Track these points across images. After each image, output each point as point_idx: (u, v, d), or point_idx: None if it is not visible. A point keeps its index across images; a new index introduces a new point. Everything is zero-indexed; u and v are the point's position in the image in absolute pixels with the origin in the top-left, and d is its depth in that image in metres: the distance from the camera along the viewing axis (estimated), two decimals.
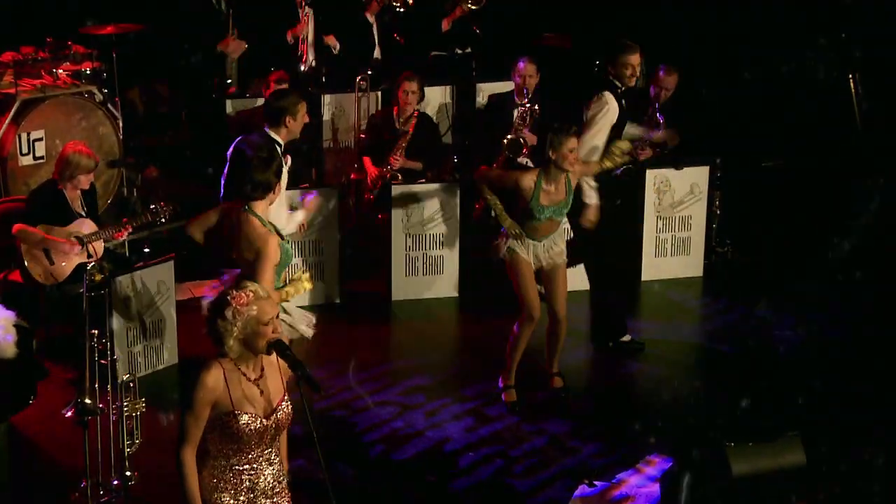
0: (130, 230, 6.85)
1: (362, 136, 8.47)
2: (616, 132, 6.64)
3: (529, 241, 6.16)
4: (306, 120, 6.22)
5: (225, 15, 8.47)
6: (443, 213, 7.74)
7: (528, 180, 6.07)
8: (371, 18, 9.06)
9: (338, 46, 8.94)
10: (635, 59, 6.64)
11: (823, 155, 9.46)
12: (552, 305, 6.26)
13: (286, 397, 4.01)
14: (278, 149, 6.09)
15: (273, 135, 6.12)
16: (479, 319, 7.45)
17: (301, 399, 3.93)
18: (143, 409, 5.30)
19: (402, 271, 7.79)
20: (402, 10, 8.91)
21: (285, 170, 6.11)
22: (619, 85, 6.65)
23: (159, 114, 8.92)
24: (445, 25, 9.30)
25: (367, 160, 8.07)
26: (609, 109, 6.58)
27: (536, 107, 7.93)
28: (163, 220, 6.78)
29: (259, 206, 5.25)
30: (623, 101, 6.68)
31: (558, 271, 6.24)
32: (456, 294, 7.80)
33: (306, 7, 8.78)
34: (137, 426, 5.28)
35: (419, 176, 8.05)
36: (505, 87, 8.62)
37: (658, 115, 7.79)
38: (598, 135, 6.56)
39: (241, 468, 3.94)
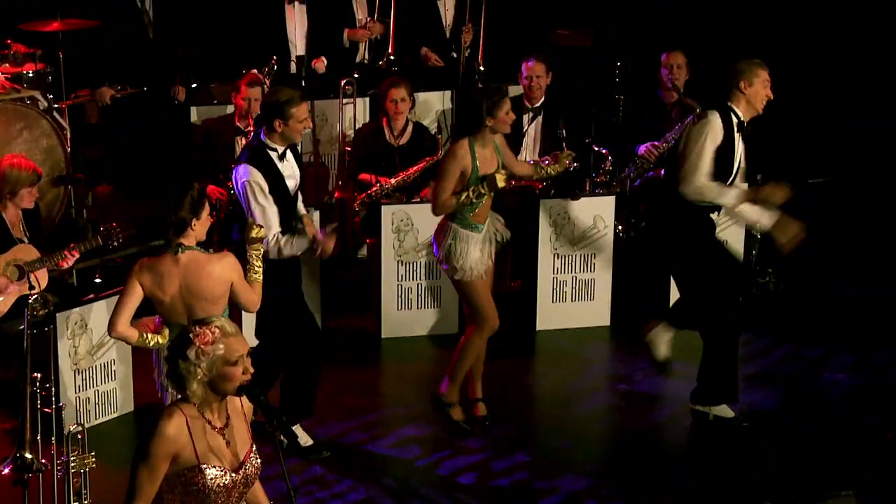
0: (78, 256, 6.86)
1: (348, 148, 8.50)
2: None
3: (473, 237, 6.41)
4: (307, 125, 6.20)
5: None
6: None
7: (462, 152, 6.36)
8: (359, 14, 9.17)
9: (324, 66, 9.01)
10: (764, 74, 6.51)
11: (880, 170, 9.51)
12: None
13: (254, 447, 4.01)
14: (272, 155, 6.10)
15: (266, 140, 6.14)
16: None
17: (277, 453, 3.93)
18: (93, 465, 5.29)
19: (393, 304, 7.80)
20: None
21: (290, 181, 6.16)
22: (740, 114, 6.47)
23: (112, 124, 8.95)
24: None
25: (366, 176, 8.07)
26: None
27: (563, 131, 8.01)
28: (116, 244, 6.79)
29: (188, 242, 5.36)
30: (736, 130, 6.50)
31: (487, 276, 6.60)
32: (456, 331, 7.81)
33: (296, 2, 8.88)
34: (86, 485, 5.26)
35: (414, 194, 8.08)
36: (513, 91, 8.67)
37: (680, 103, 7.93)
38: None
39: None
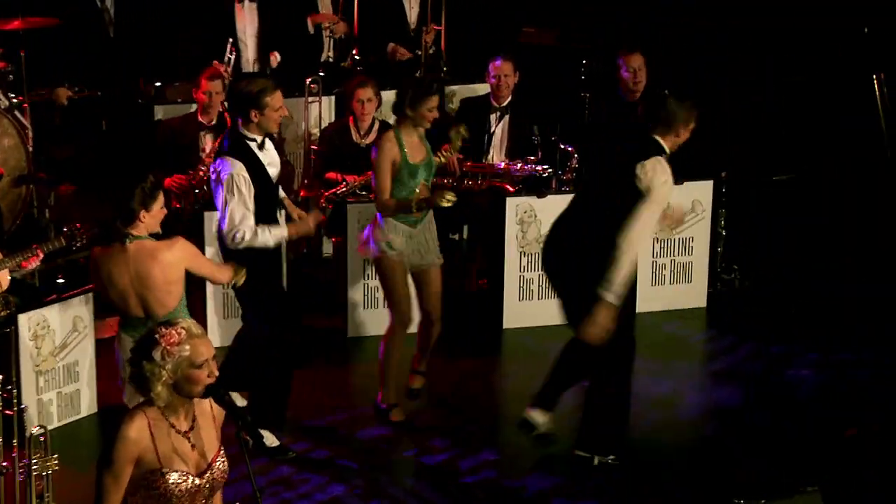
0: (42, 257, 6.80)
1: (314, 147, 8.47)
2: None
3: (405, 230, 6.46)
4: (283, 113, 6.20)
5: None
6: None
7: (389, 144, 6.43)
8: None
9: (277, 61, 8.97)
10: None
11: (843, 166, 9.58)
12: (426, 308, 6.72)
13: (222, 452, 3.98)
14: (251, 146, 6.11)
15: (244, 131, 6.14)
16: (451, 358, 7.44)
17: (243, 454, 3.91)
18: (56, 468, 5.24)
19: (359, 303, 7.77)
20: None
21: (271, 169, 6.18)
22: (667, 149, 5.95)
23: (75, 123, 8.88)
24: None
25: (332, 175, 8.04)
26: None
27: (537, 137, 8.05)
28: (80, 244, 6.73)
29: (138, 232, 5.36)
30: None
31: (431, 271, 6.64)
32: None
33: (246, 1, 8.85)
34: (49, 488, 5.22)
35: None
36: (480, 89, 8.67)
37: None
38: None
39: None
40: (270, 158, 6.25)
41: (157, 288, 5.35)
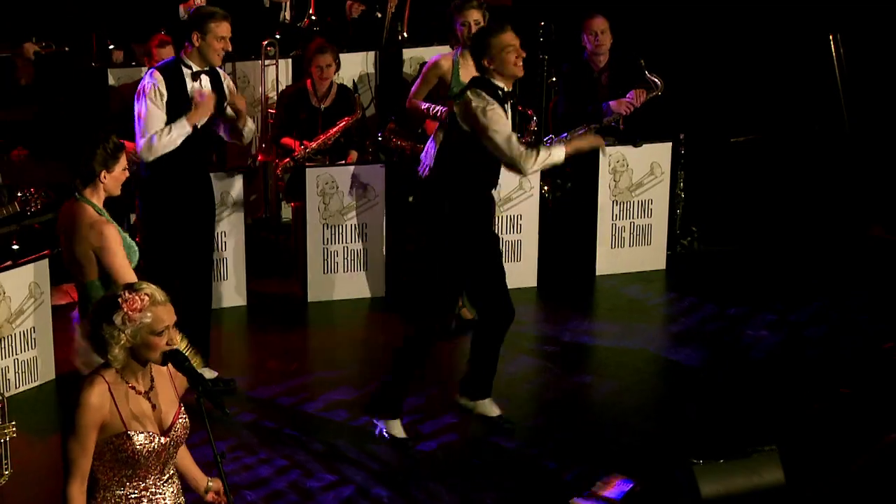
0: None
1: (271, 111, 8.41)
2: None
3: None
4: (226, 46, 6.16)
5: None
6: (366, 200, 7.72)
7: (446, 62, 6.72)
8: None
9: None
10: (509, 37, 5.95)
11: (801, 128, 9.64)
12: None
13: (182, 410, 3.98)
14: (185, 71, 6.11)
15: (183, 56, 6.15)
16: (409, 322, 7.44)
17: (204, 421, 3.90)
18: (13, 435, 5.21)
19: (318, 268, 7.77)
20: None
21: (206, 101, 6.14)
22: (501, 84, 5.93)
23: (28, 84, 8.77)
24: None
25: (288, 140, 8.00)
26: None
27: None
28: (34, 209, 6.67)
29: (92, 195, 5.22)
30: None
31: None
32: (383, 294, 7.80)
33: None
34: (6, 455, 5.19)
35: (340, 157, 8.02)
36: (435, 52, 8.62)
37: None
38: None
39: (138, 495, 3.91)
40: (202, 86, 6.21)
41: (75, 252, 5.22)
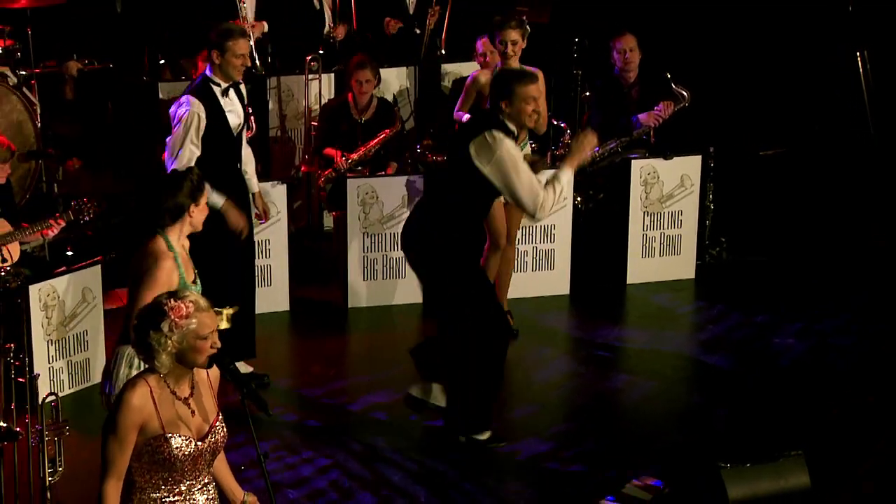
0: (64, 225, 6.82)
1: (314, 123, 8.48)
2: None
3: None
4: (245, 62, 6.23)
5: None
6: (404, 210, 7.76)
7: (484, 77, 6.82)
8: None
9: (265, 31, 8.90)
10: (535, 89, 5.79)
11: (829, 142, 9.59)
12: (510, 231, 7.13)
13: (220, 416, 4.02)
14: (215, 90, 6.16)
15: (211, 76, 6.22)
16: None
17: (248, 422, 3.94)
18: (67, 434, 5.29)
19: (359, 275, 7.81)
20: None
21: (232, 117, 6.22)
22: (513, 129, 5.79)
23: (82, 99, 8.88)
24: None
25: (330, 151, 8.05)
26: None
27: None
28: (87, 218, 6.76)
29: (172, 232, 4.91)
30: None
31: None
32: (420, 300, 7.84)
33: None
34: (60, 453, 5.25)
35: (379, 168, 8.08)
36: (472, 67, 8.66)
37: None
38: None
39: (172, 500, 3.94)
40: (232, 106, 6.29)
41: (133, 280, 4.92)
